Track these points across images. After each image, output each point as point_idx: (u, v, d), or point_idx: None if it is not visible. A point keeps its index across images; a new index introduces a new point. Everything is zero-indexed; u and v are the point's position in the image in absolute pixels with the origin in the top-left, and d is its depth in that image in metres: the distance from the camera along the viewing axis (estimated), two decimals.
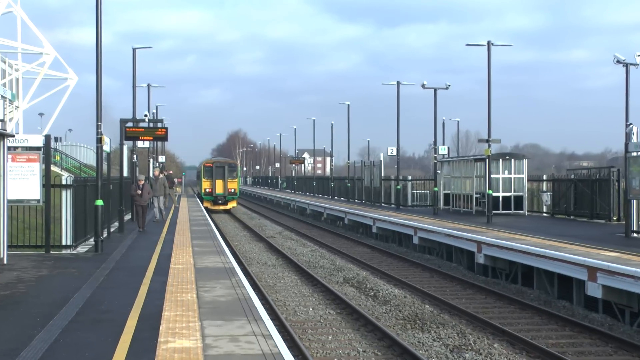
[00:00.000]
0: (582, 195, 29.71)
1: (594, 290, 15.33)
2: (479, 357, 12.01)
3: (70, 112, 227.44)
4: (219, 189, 50.87)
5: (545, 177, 35.71)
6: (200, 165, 59.82)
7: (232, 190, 51.07)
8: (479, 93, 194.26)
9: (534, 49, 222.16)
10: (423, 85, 36.84)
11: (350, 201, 51.71)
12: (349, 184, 54.50)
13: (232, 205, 51.89)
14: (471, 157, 36.75)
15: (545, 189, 34.19)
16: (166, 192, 33.20)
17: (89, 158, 60.84)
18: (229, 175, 51.02)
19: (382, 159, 47.54)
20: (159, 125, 26.61)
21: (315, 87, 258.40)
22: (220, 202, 50.97)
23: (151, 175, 38.90)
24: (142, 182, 24.99)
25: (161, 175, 29.67)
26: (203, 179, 51.85)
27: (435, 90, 37.13)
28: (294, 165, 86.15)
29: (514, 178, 33.59)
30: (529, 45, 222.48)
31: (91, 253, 18.56)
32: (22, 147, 18.60)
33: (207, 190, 51.13)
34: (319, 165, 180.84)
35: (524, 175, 33.66)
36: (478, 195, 34.00)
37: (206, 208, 48.10)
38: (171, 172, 53.57)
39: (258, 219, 48.16)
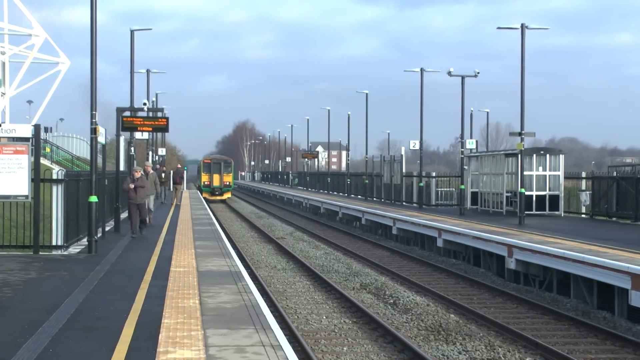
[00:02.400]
0: (626, 195, 29.53)
1: (638, 300, 15.24)
2: None
3: (62, 99, 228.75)
4: (216, 182, 65.02)
5: (584, 174, 35.51)
6: (200, 161, 74.61)
7: (227, 183, 65.84)
8: (511, 81, 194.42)
9: (572, 32, 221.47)
10: (449, 73, 36.75)
11: (368, 199, 51.72)
12: (366, 181, 54.49)
13: (227, 195, 66.41)
14: (502, 152, 36.62)
15: (583, 187, 34.02)
16: (157, 190, 33.02)
17: (82, 150, 61.14)
18: (225, 170, 65.22)
19: (403, 153, 47.44)
20: (159, 114, 26.64)
21: (331, 74, 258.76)
22: (217, 193, 64.94)
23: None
24: (139, 176, 23.28)
25: (151, 171, 28.89)
26: (202, 173, 66.24)
27: (463, 78, 37.03)
28: (306, 159, 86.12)
29: (549, 175, 33.47)
30: (567, 29, 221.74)
31: (84, 254, 18.63)
32: (9, 138, 18.70)
33: (206, 183, 65.33)
34: (334, 160, 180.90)
35: (561, 173, 33.52)
36: (509, 194, 33.90)
37: (205, 198, 57.91)
38: (179, 166, 53.90)
39: (267, 218, 48.28)
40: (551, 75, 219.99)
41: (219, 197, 64.89)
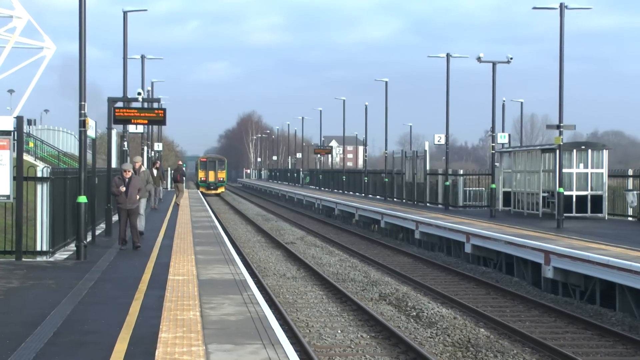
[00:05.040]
0: None
1: None
2: None
3: (47, 88, 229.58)
4: (211, 178, 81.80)
5: (630, 172, 35.35)
6: (197, 160, 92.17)
7: (221, 179, 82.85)
8: (548, 68, 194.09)
9: (618, 12, 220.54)
10: (479, 59, 36.68)
11: (388, 200, 51.72)
12: (386, 179, 54.48)
13: (221, 190, 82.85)
14: (538, 147, 36.52)
15: (630, 186, 33.89)
16: (150, 193, 32.71)
17: (70, 145, 61.51)
18: (219, 167, 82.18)
19: (427, 148, 47.37)
20: (155, 105, 26.71)
21: (346, 60, 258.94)
22: (212, 188, 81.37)
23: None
24: (129, 175, 21.37)
25: (143, 169, 27.48)
26: (199, 170, 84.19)
27: (494, 64, 36.94)
28: (319, 155, 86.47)
29: (592, 173, 33.35)
30: (612, 8, 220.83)
31: (72, 261, 18.69)
32: None
33: (202, 179, 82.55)
34: (350, 156, 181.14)
35: (604, 170, 33.40)
36: (546, 194, 33.80)
37: (202, 192, 71.60)
38: (180, 162, 54.15)
39: (275, 221, 48.34)
40: (594, 61, 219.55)
41: (213, 192, 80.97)
